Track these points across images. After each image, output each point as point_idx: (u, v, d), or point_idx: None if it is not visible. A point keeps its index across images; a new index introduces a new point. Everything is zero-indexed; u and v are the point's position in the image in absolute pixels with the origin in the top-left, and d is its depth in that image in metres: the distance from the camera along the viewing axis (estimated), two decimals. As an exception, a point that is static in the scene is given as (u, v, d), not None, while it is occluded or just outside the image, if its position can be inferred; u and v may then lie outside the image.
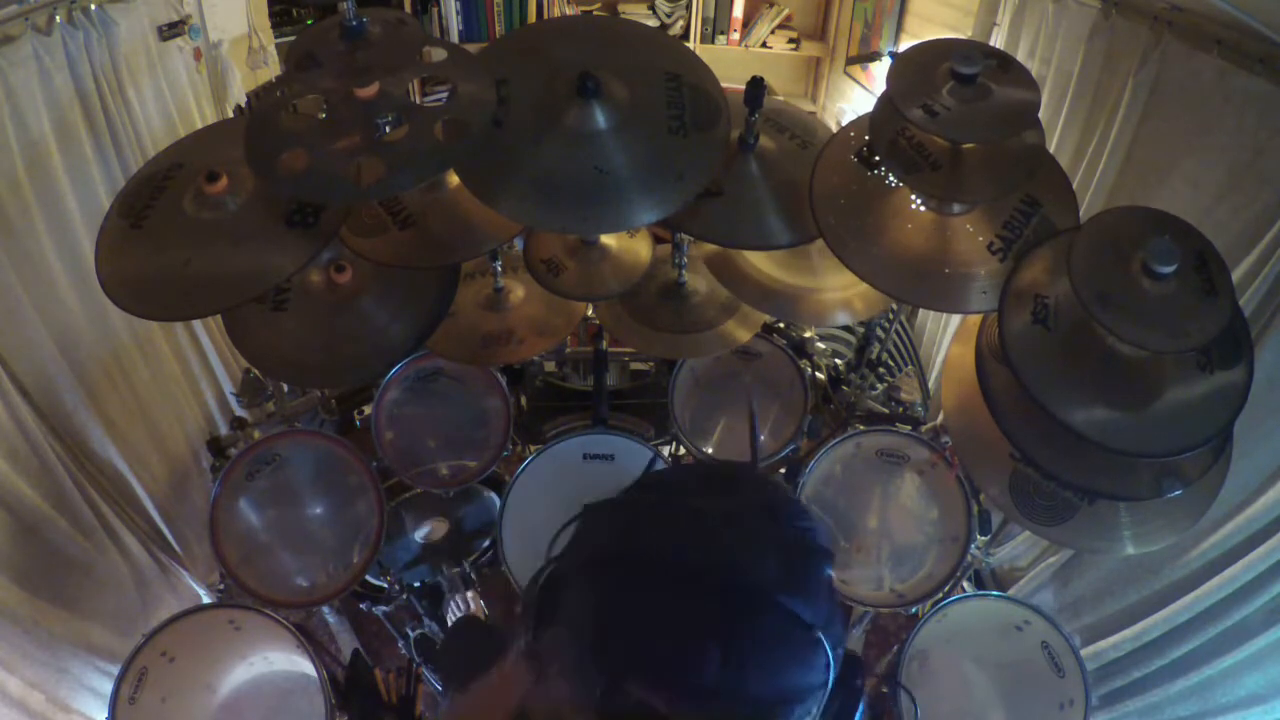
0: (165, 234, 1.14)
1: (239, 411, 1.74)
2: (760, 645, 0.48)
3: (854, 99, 3.52)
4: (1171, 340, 1.01)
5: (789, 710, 0.50)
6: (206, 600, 2.05)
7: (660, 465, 1.45)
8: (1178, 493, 1.13)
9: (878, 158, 1.25)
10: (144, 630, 1.40)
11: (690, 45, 3.63)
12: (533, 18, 3.52)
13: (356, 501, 1.64)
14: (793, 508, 0.57)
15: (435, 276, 1.41)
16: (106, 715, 1.33)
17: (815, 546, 0.55)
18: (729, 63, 3.64)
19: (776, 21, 3.72)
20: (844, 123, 1.34)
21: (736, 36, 3.74)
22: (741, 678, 0.47)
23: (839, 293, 1.49)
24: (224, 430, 2.21)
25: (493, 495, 1.88)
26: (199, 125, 2.14)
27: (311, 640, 1.46)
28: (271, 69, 2.68)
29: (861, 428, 1.70)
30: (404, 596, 1.79)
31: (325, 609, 1.94)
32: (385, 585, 1.81)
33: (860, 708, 0.60)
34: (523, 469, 1.66)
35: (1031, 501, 1.30)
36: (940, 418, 1.64)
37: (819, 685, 0.51)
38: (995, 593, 1.80)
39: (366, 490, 1.61)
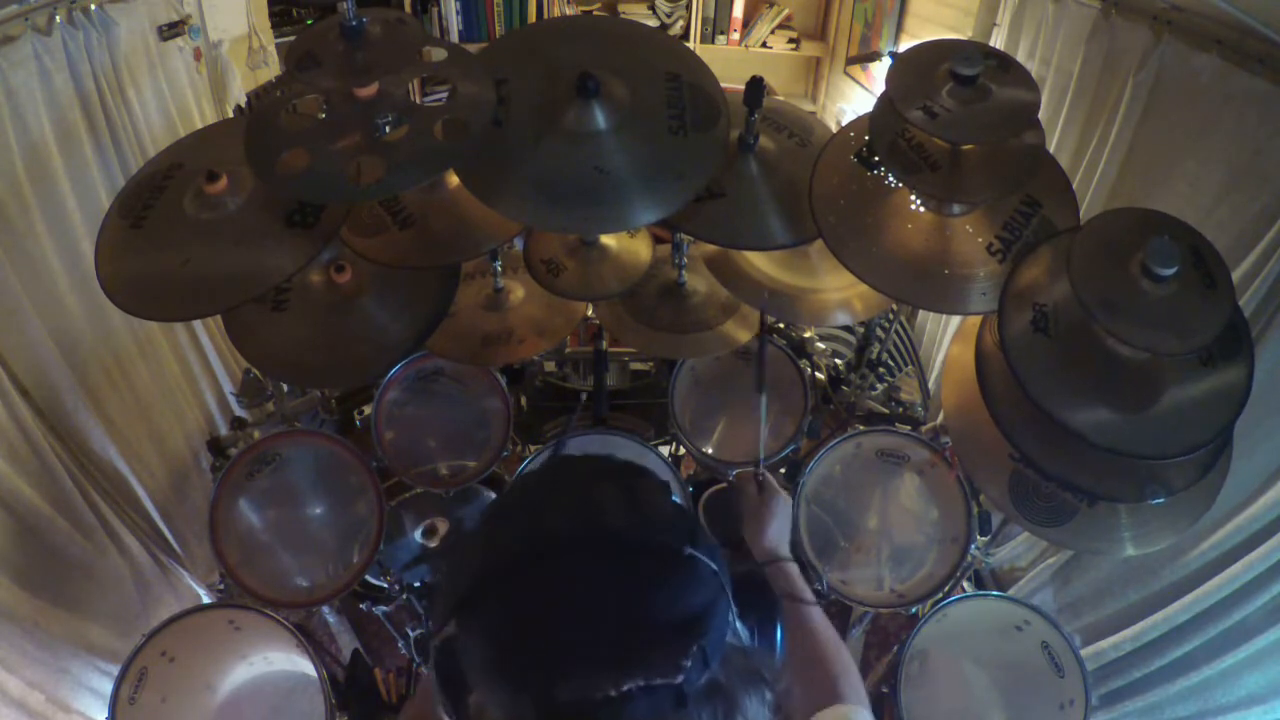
0: (165, 234, 1.14)
1: (239, 411, 1.74)
2: (641, 584, 0.51)
3: (854, 99, 3.52)
4: (1181, 341, 1.01)
5: (703, 625, 0.52)
6: (206, 600, 2.05)
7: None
8: (1160, 500, 1.13)
9: (877, 158, 1.25)
10: (144, 630, 1.40)
11: (690, 45, 3.63)
12: (533, 18, 3.52)
13: (356, 501, 1.64)
14: (618, 464, 0.61)
15: (435, 276, 1.41)
16: (106, 715, 1.33)
17: (651, 484, 0.59)
18: (729, 63, 3.64)
19: (776, 21, 3.73)
20: (844, 123, 1.34)
21: (736, 36, 3.74)
22: (641, 620, 0.50)
23: (839, 293, 1.49)
24: (224, 430, 2.21)
25: (492, 495, 1.88)
26: (199, 125, 2.14)
27: (311, 640, 1.45)
28: (271, 69, 2.68)
29: (861, 428, 1.70)
30: (404, 596, 1.78)
31: (325, 609, 1.94)
32: (385, 585, 1.81)
33: (775, 616, 0.65)
34: (523, 469, 1.66)
35: (1031, 502, 1.29)
36: (940, 418, 1.64)
37: (716, 591, 0.54)
38: (995, 593, 1.80)
39: (366, 490, 1.61)
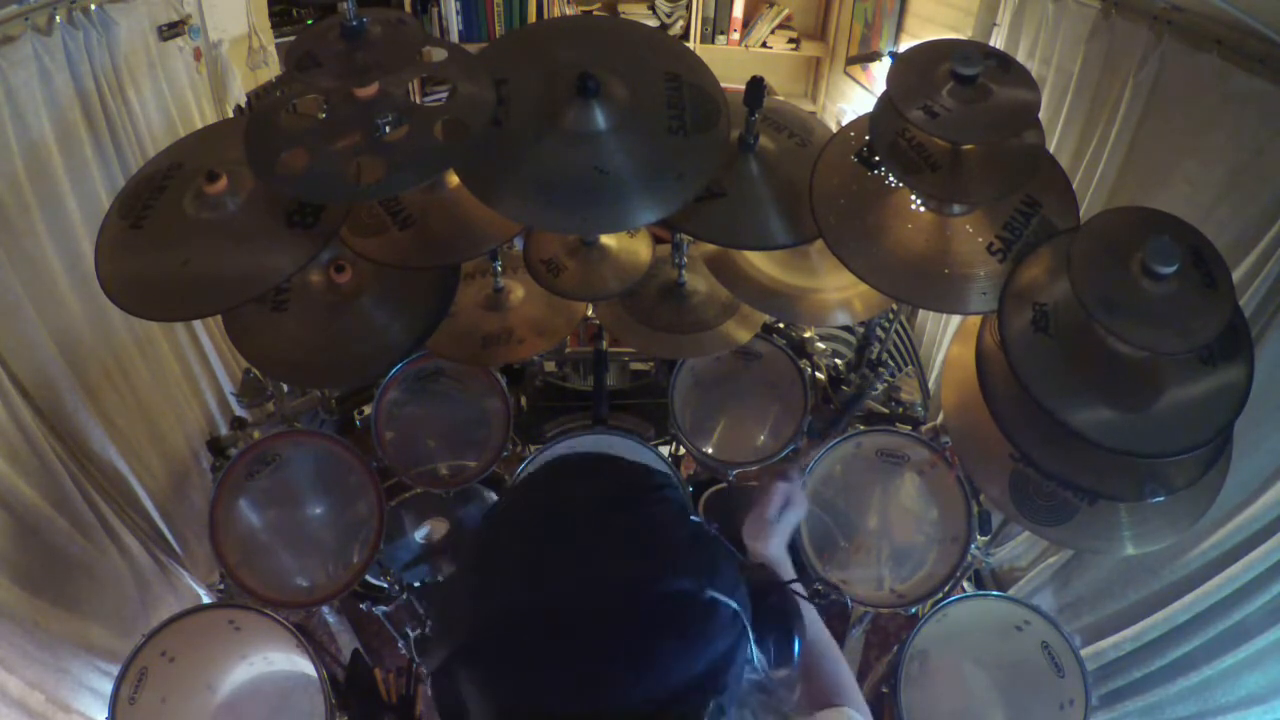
0: (165, 234, 1.14)
1: (239, 411, 1.74)
2: (658, 642, 0.46)
3: (854, 99, 3.52)
4: (1182, 340, 1.01)
5: (724, 672, 0.48)
6: (206, 600, 2.05)
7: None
8: (1160, 499, 1.14)
9: (878, 158, 1.25)
10: (144, 630, 1.40)
11: (690, 45, 3.63)
12: (533, 18, 3.52)
13: (356, 501, 1.64)
14: (629, 484, 0.55)
15: (435, 276, 1.41)
16: (106, 715, 1.33)
17: (667, 511, 0.53)
18: (729, 63, 3.65)
19: (776, 21, 3.73)
20: (844, 123, 1.34)
21: (736, 36, 3.74)
22: (658, 681, 0.46)
23: (839, 293, 1.49)
24: (224, 430, 2.21)
25: (492, 495, 1.88)
26: (199, 125, 2.14)
27: (311, 640, 1.45)
28: (271, 69, 2.68)
29: (862, 428, 1.70)
30: (404, 596, 1.79)
31: (325, 609, 1.94)
32: (385, 585, 1.81)
33: (793, 631, 0.58)
34: (523, 469, 1.66)
35: (1031, 502, 1.29)
36: (940, 418, 1.64)
37: (738, 635, 0.49)
38: (995, 593, 1.80)
39: (366, 490, 1.61)
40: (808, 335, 1.88)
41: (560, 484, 0.57)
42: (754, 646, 0.52)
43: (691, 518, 0.54)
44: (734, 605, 0.49)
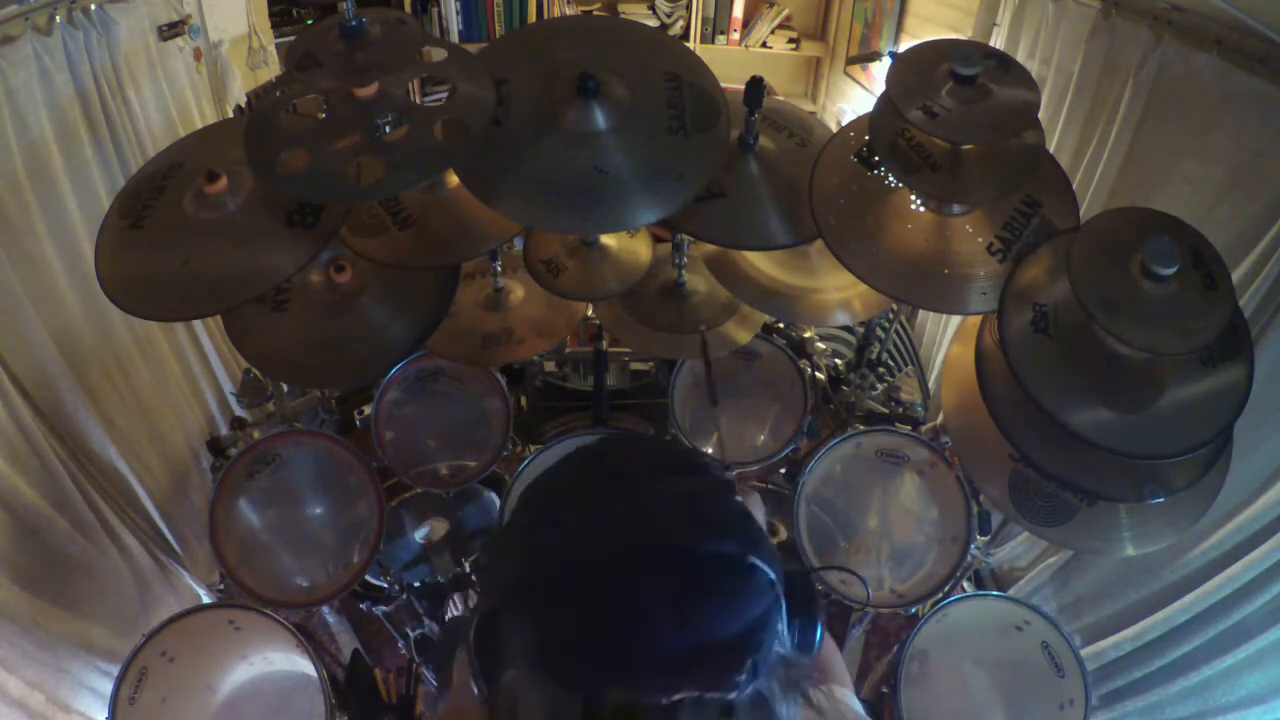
0: (165, 234, 1.14)
1: (239, 411, 1.74)
2: (702, 599, 0.49)
3: (854, 99, 3.52)
4: (1182, 341, 1.01)
5: (759, 638, 0.51)
6: (206, 600, 2.05)
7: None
8: (1160, 500, 1.14)
9: (877, 158, 1.25)
10: (144, 630, 1.40)
11: (690, 45, 3.63)
12: (533, 18, 3.53)
13: (356, 501, 1.64)
14: (679, 456, 0.59)
15: (435, 276, 1.41)
16: (106, 715, 1.33)
17: (713, 484, 0.57)
18: (729, 63, 3.64)
19: (776, 21, 3.73)
20: (844, 123, 1.34)
21: (736, 36, 3.74)
22: (700, 635, 0.48)
23: (839, 293, 1.49)
24: (224, 430, 2.21)
25: (493, 495, 1.88)
26: (199, 125, 2.14)
27: (311, 640, 1.45)
28: (271, 69, 2.68)
29: (861, 428, 1.70)
30: (404, 596, 1.79)
31: (325, 609, 1.94)
32: (385, 585, 1.81)
33: (817, 617, 0.61)
34: (523, 469, 1.66)
35: (1031, 502, 1.29)
36: (940, 418, 1.64)
37: (773, 601, 0.52)
38: (995, 593, 1.80)
39: (366, 490, 1.61)
40: (808, 335, 1.88)
41: (614, 450, 0.61)
42: (785, 622, 0.55)
43: (737, 498, 0.57)
44: (772, 574, 0.52)
